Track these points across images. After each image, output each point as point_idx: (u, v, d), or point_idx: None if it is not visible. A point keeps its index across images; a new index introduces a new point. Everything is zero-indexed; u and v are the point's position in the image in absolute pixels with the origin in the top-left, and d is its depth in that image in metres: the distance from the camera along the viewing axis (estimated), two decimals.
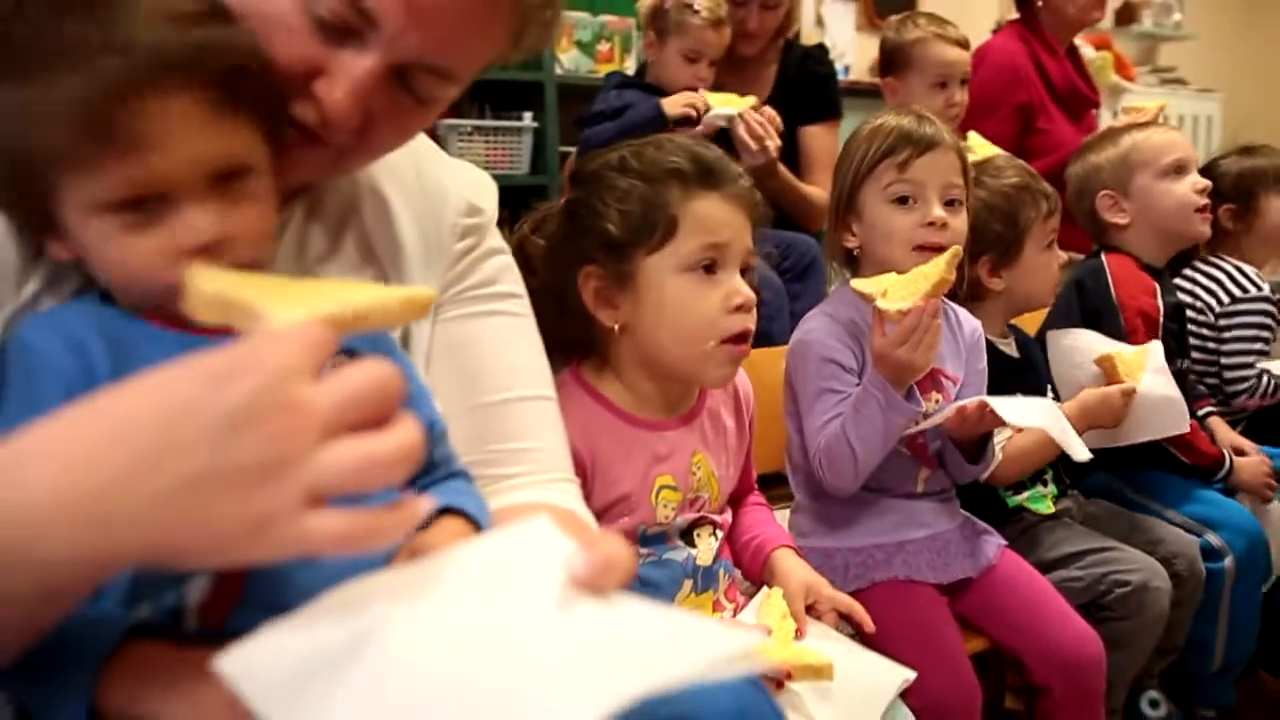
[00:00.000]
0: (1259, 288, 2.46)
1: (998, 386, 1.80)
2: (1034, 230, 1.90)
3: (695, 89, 2.57)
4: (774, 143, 2.52)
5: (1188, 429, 1.99)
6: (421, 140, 1.04)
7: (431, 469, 0.89)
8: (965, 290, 1.83)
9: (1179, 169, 2.20)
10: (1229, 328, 2.43)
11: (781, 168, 2.63)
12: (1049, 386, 2.03)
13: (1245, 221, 2.52)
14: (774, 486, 1.76)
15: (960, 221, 1.65)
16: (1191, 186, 2.20)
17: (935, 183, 1.63)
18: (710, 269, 1.32)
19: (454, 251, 1.04)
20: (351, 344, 0.77)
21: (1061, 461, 1.95)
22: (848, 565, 1.65)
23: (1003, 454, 1.79)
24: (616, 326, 1.35)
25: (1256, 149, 2.66)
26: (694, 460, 1.42)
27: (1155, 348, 1.98)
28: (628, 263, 1.33)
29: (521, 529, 0.66)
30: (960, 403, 1.57)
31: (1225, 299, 2.45)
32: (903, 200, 1.63)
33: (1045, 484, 1.95)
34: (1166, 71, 5.83)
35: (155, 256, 0.75)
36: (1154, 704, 2.07)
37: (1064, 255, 1.98)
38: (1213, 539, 2.03)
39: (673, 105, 2.50)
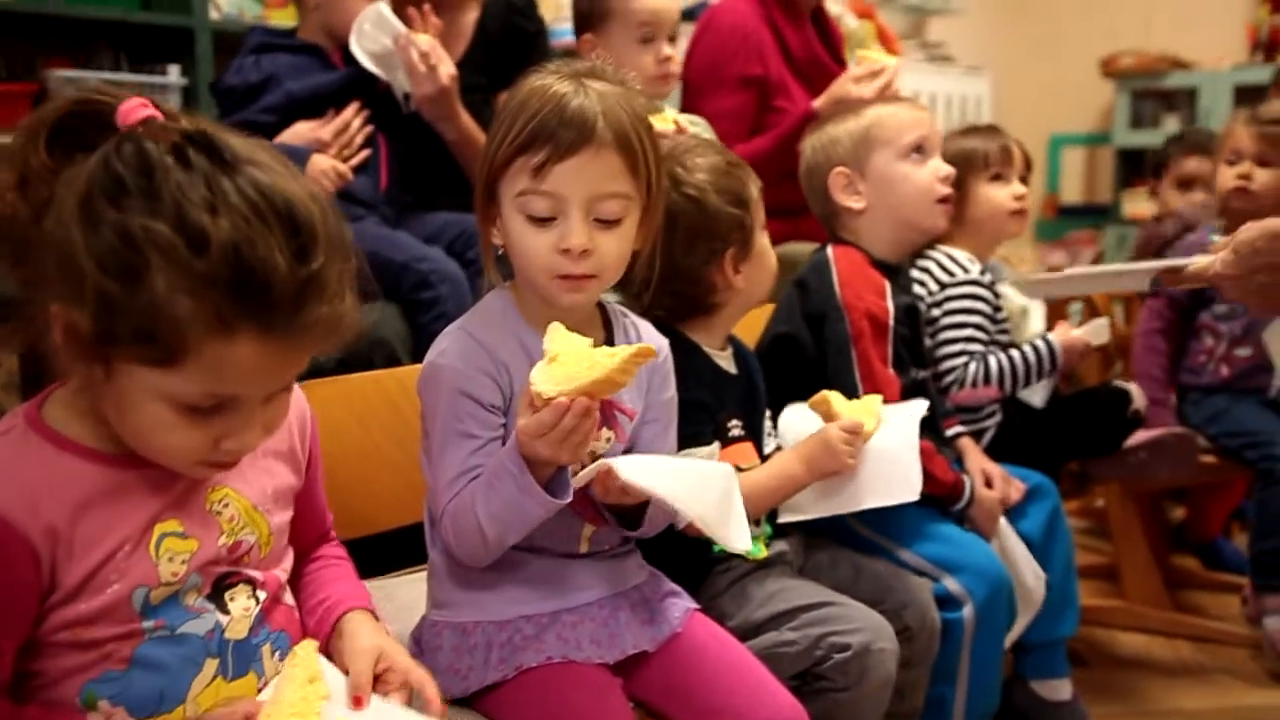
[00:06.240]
0: (967, 270, 2.27)
1: (711, 410, 1.56)
2: (756, 209, 1.62)
3: None
4: (448, 69, 2.11)
5: (916, 497, 1.67)
6: None
7: None
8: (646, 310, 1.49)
9: (918, 149, 1.96)
10: (939, 317, 2.21)
11: (463, 112, 2.21)
12: (767, 410, 1.72)
13: (956, 209, 2.17)
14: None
15: (615, 243, 1.26)
16: (934, 174, 1.97)
17: (580, 195, 1.22)
18: (212, 409, 0.95)
19: None
20: None
21: None
22: (490, 644, 1.28)
23: None
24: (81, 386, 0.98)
25: (976, 130, 2.44)
26: (212, 497, 1.04)
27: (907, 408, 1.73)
28: (101, 356, 0.91)
29: None
30: (597, 464, 1.21)
31: (935, 288, 2.25)
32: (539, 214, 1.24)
33: (758, 523, 1.61)
34: (935, 47, 5.64)
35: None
36: None
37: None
38: (951, 584, 1.77)
39: None
